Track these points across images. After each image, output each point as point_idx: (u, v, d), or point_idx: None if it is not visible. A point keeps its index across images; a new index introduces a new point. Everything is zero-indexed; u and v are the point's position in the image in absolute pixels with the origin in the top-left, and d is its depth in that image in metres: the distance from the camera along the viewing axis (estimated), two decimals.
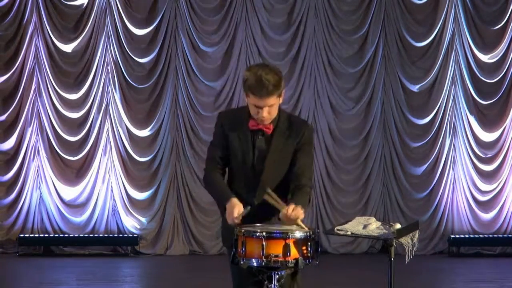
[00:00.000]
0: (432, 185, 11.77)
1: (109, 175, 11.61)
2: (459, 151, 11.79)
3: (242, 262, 4.29)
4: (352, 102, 11.83)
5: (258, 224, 4.47)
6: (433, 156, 11.76)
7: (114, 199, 11.60)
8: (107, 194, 11.61)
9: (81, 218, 11.58)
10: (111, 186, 11.60)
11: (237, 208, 4.42)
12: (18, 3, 11.48)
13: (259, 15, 11.73)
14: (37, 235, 11.46)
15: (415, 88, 11.82)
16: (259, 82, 4.38)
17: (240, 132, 4.56)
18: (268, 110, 4.46)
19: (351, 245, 11.77)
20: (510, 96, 11.81)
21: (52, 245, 11.59)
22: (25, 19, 11.51)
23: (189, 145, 11.64)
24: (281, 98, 4.52)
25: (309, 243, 4.27)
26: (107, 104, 11.62)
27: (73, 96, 11.61)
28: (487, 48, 11.81)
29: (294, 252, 4.21)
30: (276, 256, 4.19)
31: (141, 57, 11.65)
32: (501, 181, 11.76)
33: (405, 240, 4.58)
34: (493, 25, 11.80)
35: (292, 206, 4.33)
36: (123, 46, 11.62)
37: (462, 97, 11.79)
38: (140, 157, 11.67)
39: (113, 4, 11.60)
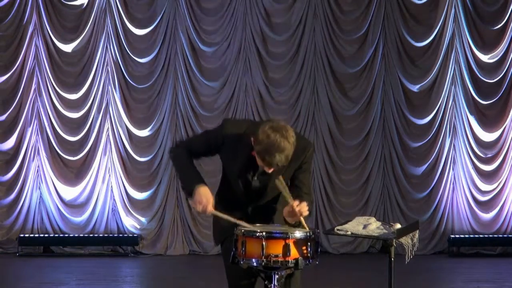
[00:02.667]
0: (432, 185, 11.76)
1: (109, 175, 11.61)
2: (459, 151, 11.78)
3: (242, 262, 4.29)
4: (352, 102, 11.82)
5: (258, 224, 4.47)
6: (433, 156, 11.76)
7: (114, 199, 11.60)
8: (107, 194, 11.61)
9: (81, 218, 11.58)
10: (111, 186, 11.60)
11: (209, 198, 4.34)
12: (18, 3, 11.49)
13: (259, 15, 11.73)
14: (37, 235, 11.46)
15: (415, 88, 11.81)
16: (271, 156, 4.19)
17: (241, 155, 4.45)
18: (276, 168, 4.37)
19: (351, 245, 11.77)
20: (510, 96, 11.81)
21: (52, 245, 11.59)
22: (25, 19, 11.51)
23: None
24: None
25: (309, 243, 4.27)
26: (107, 104, 11.62)
27: (73, 96, 11.61)
28: (487, 48, 11.81)
29: (294, 252, 4.21)
30: (276, 256, 4.18)
31: (141, 57, 11.65)
32: (501, 181, 11.76)
33: (405, 240, 4.58)
34: (493, 25, 11.79)
35: (298, 201, 4.33)
36: (123, 46, 11.62)
37: (462, 97, 11.79)
38: (140, 157, 11.67)
39: (113, 4, 11.60)
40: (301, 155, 4.50)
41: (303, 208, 4.31)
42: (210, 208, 4.34)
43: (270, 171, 4.36)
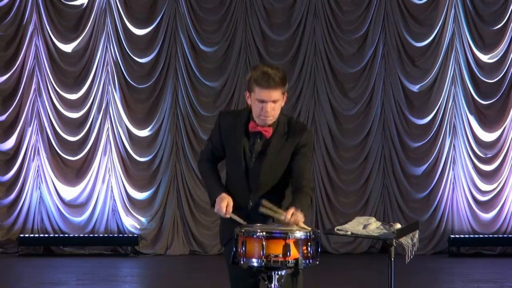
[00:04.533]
0: (432, 185, 11.77)
1: (109, 175, 11.61)
2: (459, 151, 11.78)
3: (242, 262, 4.29)
4: (352, 102, 11.82)
5: (258, 224, 4.47)
6: (433, 156, 11.76)
7: (114, 199, 11.60)
8: (107, 194, 11.61)
9: (81, 218, 11.58)
10: (111, 186, 11.60)
11: (225, 201, 4.49)
12: (18, 3, 11.49)
13: (259, 15, 11.73)
14: (37, 235, 11.46)
15: (415, 88, 11.81)
16: (265, 75, 4.44)
17: (238, 134, 4.58)
18: (273, 106, 4.48)
19: (351, 245, 11.77)
20: (510, 96, 11.81)
21: (52, 245, 11.59)
22: (25, 19, 11.50)
23: (189, 145, 11.64)
24: (284, 98, 4.54)
25: (309, 243, 4.26)
26: (107, 104, 11.62)
27: (73, 96, 11.62)
28: (487, 48, 11.81)
29: (294, 252, 4.20)
30: (276, 256, 4.18)
31: (141, 57, 11.65)
32: (501, 181, 11.76)
33: (405, 240, 4.59)
34: (493, 25, 11.80)
35: (291, 211, 4.32)
36: (123, 46, 11.62)
37: (462, 97, 11.79)
38: (140, 157, 11.67)
39: (113, 4, 11.60)
40: (298, 134, 4.57)
41: (297, 218, 4.31)
42: (224, 210, 4.50)
43: (269, 131, 4.51)
